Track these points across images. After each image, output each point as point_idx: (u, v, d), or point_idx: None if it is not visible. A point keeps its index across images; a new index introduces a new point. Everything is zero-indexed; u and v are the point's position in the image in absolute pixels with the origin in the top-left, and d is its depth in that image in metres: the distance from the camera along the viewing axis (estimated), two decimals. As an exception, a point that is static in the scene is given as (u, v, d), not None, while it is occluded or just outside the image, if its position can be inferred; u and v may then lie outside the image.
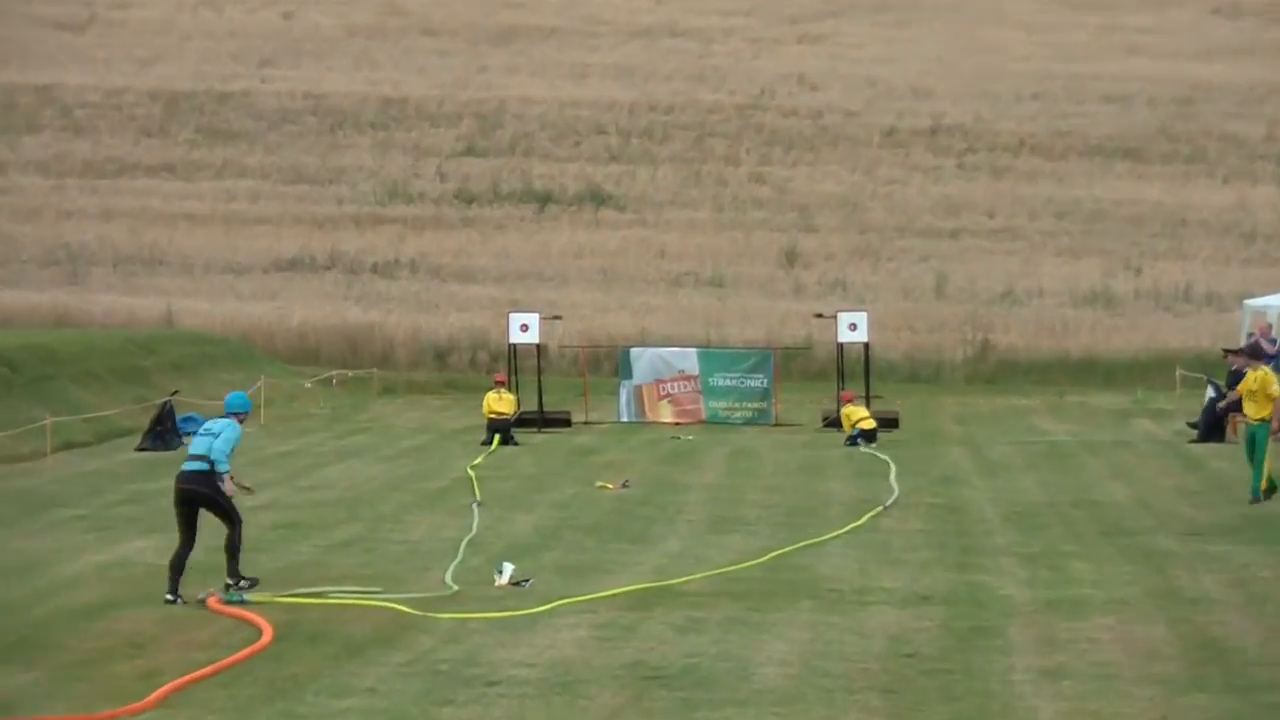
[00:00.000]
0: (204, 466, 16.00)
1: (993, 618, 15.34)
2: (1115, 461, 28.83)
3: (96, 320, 49.20)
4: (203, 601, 15.75)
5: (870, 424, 31.76)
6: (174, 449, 30.46)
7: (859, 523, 21.18)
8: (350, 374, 44.67)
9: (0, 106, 77.04)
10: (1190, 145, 75.33)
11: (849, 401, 33.02)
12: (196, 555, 16.36)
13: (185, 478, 16.13)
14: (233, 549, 16.01)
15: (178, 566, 16.02)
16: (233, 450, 16.14)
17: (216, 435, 16.07)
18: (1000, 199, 68.30)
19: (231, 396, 16.80)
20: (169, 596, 15.89)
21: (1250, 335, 35.41)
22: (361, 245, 61.12)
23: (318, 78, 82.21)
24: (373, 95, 79.69)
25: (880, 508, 22.52)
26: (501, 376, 34.14)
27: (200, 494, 15.97)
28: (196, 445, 16.21)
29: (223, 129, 76.07)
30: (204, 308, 51.39)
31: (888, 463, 27.93)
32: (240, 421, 16.43)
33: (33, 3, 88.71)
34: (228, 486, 16.15)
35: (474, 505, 22.65)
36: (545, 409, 35.82)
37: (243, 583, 15.96)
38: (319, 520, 21.27)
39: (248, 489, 16.77)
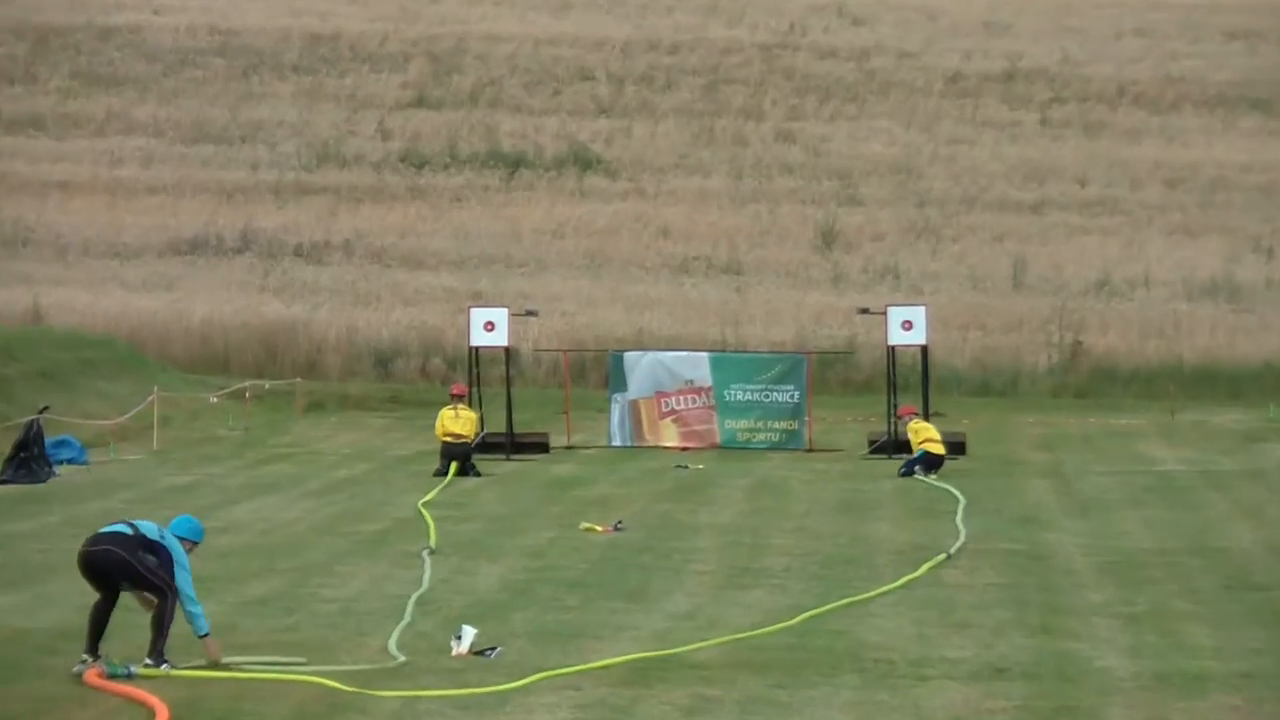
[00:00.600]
0: (126, 530, 15.99)
1: (1086, 696, 15.37)
2: (1242, 497, 29.04)
3: (-56, 317, 49.17)
4: (79, 675, 15.73)
5: (939, 448, 32.38)
6: (44, 481, 30.71)
7: (915, 575, 21.35)
8: (268, 385, 44.83)
9: None
10: (1336, 95, 75.38)
11: (912, 415, 33.42)
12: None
13: (97, 539, 16.06)
14: (161, 623, 15.90)
15: (98, 621, 16.03)
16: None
17: (163, 542, 16.01)
18: (1095, 163, 68.36)
19: (181, 520, 16.61)
20: (84, 658, 15.93)
21: None
22: (283, 222, 61.18)
23: (226, 8, 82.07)
24: (296, 30, 79.70)
25: (943, 555, 22.68)
26: (460, 389, 34.37)
27: (115, 561, 15.84)
28: (133, 524, 16.22)
29: (105, 74, 76.06)
30: (81, 300, 51.41)
31: (954, 498, 28.16)
32: (189, 552, 16.22)
33: None
34: (212, 652, 16.14)
35: (425, 553, 22.78)
36: (516, 430, 36.23)
37: (164, 664, 15.88)
38: (227, 572, 21.24)
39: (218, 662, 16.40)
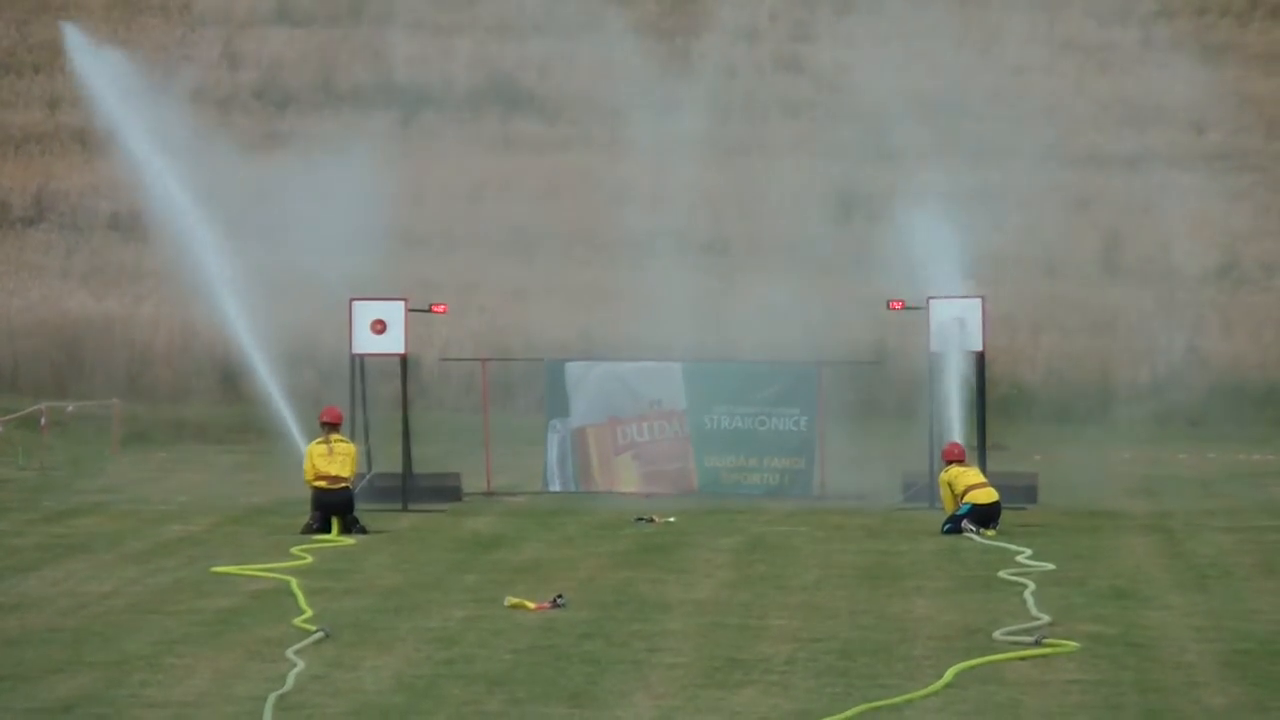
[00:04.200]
0: None
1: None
2: None
3: None
4: None
5: (989, 495, 32.88)
6: None
7: (968, 664, 21.34)
8: (72, 408, 44.86)
9: None
10: None
11: (955, 460, 33.63)
12: None
13: None
14: None
15: None
16: None
17: None
18: (1217, 100, 67.10)
19: None
20: None
21: None
22: (91, 181, 60.86)
23: None
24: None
25: (1008, 638, 22.78)
26: (334, 414, 34.60)
27: None
28: None
29: None
30: None
31: (1020, 562, 28.67)
32: None
33: None
34: None
35: (294, 654, 22.44)
36: (416, 470, 37.32)
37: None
38: (17, 668, 21.38)
39: None
